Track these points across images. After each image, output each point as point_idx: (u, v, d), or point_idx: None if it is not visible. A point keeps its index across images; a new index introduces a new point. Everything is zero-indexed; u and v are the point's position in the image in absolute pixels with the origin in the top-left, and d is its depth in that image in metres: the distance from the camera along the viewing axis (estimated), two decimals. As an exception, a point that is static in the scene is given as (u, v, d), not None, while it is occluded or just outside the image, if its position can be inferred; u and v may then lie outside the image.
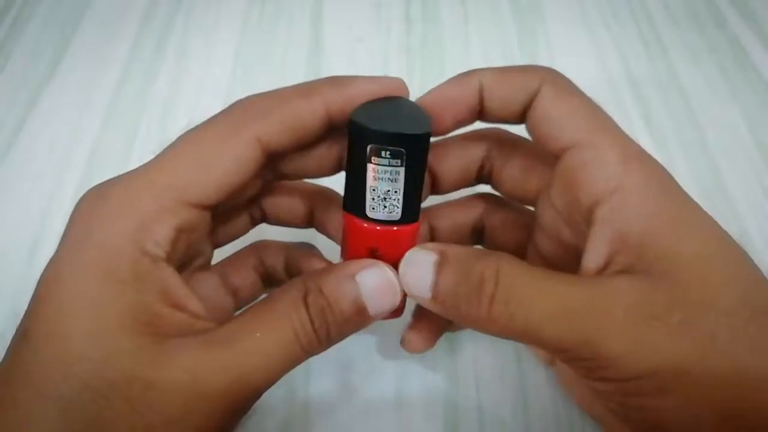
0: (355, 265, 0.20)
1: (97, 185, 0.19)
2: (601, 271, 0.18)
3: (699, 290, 0.17)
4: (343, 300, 0.19)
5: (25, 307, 0.29)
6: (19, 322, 0.18)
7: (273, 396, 0.25)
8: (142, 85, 0.39)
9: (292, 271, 0.25)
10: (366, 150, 0.19)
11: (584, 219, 0.19)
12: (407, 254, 0.20)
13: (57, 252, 0.18)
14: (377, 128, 0.18)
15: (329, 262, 0.24)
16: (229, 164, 0.19)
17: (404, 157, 0.19)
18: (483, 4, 0.44)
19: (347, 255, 0.21)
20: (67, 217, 0.32)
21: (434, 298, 0.19)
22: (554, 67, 0.21)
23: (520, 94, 0.20)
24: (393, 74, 0.39)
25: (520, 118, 0.21)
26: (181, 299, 0.18)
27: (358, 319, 0.19)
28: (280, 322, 0.18)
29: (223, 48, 0.42)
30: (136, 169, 0.19)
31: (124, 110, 0.38)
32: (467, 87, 0.21)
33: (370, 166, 0.19)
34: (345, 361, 0.28)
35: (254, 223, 0.25)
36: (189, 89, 0.39)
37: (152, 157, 0.19)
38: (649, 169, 0.19)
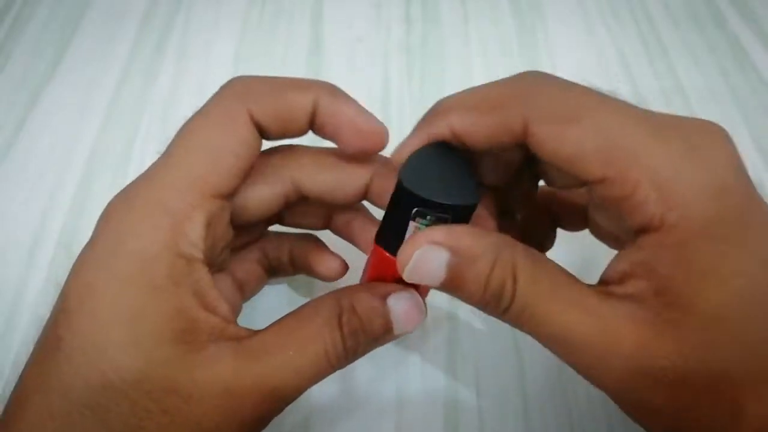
0: (386, 287, 0.20)
1: (122, 191, 0.19)
2: (615, 283, 0.18)
3: (700, 353, 0.16)
4: (375, 321, 0.19)
5: (27, 307, 0.29)
6: (36, 326, 0.18)
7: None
8: (143, 85, 0.39)
9: (298, 264, 0.25)
10: (411, 210, 0.18)
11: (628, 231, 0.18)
12: (417, 253, 0.18)
13: (84, 260, 0.18)
14: (425, 196, 0.18)
15: (336, 256, 0.25)
16: (237, 148, 0.19)
17: (449, 221, 0.19)
18: (483, 3, 0.44)
19: (371, 279, 0.21)
20: (68, 218, 0.33)
21: (443, 288, 0.19)
22: (554, 67, 0.20)
23: (505, 138, 0.18)
24: (393, 74, 0.39)
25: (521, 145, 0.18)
26: (213, 301, 0.19)
27: (384, 338, 0.20)
28: (313, 341, 0.19)
29: (223, 48, 0.42)
30: (154, 169, 0.19)
31: (125, 110, 0.38)
32: (438, 138, 0.19)
33: (412, 224, 0.19)
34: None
35: (269, 225, 0.25)
36: (189, 89, 0.39)
37: (158, 156, 0.20)
38: (695, 206, 0.16)
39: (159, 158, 0.19)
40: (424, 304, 0.21)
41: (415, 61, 0.40)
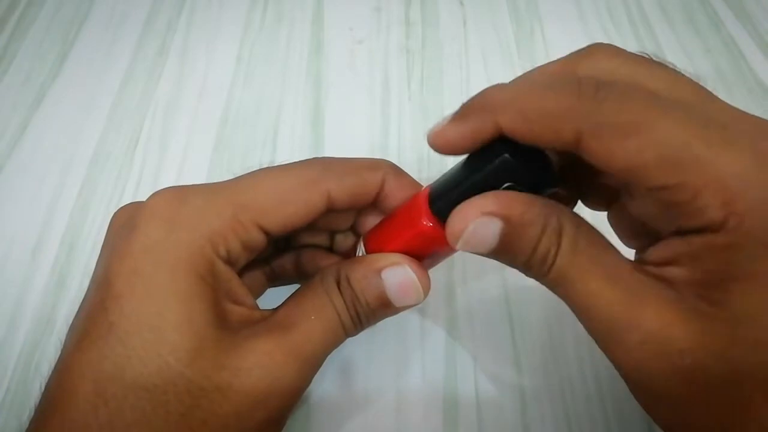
0: (382, 260, 0.21)
1: (172, 188, 0.20)
2: (652, 265, 0.18)
3: (724, 347, 0.16)
4: (369, 294, 0.20)
5: (30, 307, 0.30)
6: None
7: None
8: (145, 86, 0.40)
9: (303, 270, 0.25)
10: (501, 184, 0.18)
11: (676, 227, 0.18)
12: (471, 225, 0.18)
13: (127, 249, 0.19)
14: (525, 172, 0.18)
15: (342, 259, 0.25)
16: (300, 205, 0.21)
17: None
18: (481, 6, 0.44)
19: (396, 246, 0.21)
20: (71, 218, 0.33)
21: (491, 254, 0.19)
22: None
23: (555, 147, 0.18)
24: (393, 76, 0.39)
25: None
26: (240, 296, 0.20)
27: (385, 310, 0.21)
28: (326, 306, 0.20)
29: (225, 50, 0.42)
30: (217, 185, 0.21)
31: (128, 111, 0.38)
32: (482, 133, 0.19)
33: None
34: (345, 360, 0.28)
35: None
36: (191, 91, 0.39)
37: (230, 177, 0.21)
38: (759, 214, 0.15)
39: (229, 180, 0.21)
40: (427, 276, 0.21)
41: (414, 62, 0.41)
